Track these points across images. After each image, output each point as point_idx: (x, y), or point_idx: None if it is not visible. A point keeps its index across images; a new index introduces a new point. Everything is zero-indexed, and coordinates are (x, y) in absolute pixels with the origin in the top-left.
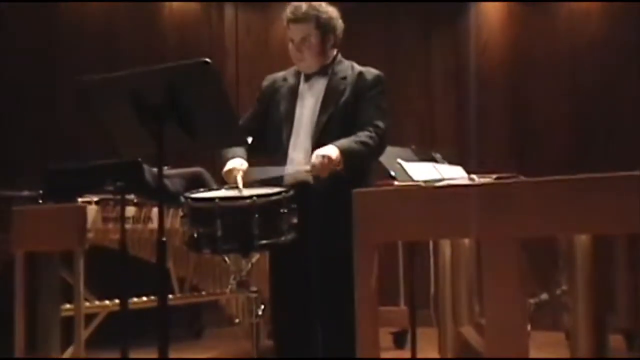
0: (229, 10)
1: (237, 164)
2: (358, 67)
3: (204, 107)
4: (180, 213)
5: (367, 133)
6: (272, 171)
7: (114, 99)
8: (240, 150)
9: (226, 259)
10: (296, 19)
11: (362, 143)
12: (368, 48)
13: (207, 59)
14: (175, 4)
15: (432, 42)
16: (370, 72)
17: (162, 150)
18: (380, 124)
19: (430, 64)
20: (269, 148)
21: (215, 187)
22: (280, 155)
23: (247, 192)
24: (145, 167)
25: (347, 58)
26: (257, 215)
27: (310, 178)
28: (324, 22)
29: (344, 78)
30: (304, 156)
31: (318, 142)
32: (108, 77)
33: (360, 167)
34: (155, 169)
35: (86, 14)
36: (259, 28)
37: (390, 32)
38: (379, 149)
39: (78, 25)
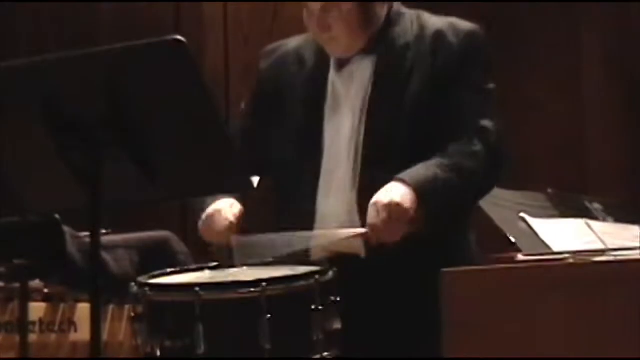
0: None
1: (224, 207)
2: (433, 22)
3: (172, 122)
4: (131, 312)
5: (463, 148)
6: (286, 243)
7: (13, 109)
8: None
9: None
10: None
11: (458, 170)
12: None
13: (180, 37)
14: None
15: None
16: (459, 28)
17: (99, 203)
18: (489, 123)
19: (578, 44)
20: (275, 192)
21: (191, 264)
22: (297, 209)
23: (250, 272)
24: (67, 231)
25: None
26: (269, 317)
27: (360, 247)
28: None
29: (406, 46)
30: (348, 209)
31: (372, 175)
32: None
33: (456, 218)
34: (85, 235)
35: None
36: None
37: None
38: (492, 172)
39: None
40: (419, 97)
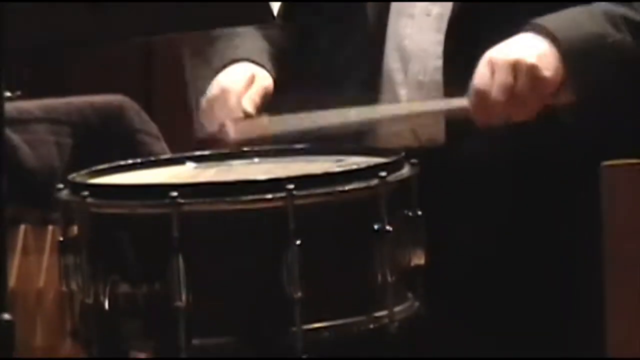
0: None
1: (237, 84)
2: None
3: None
4: (58, 237)
5: None
6: (341, 115)
7: None
8: (257, 40)
9: None
10: None
11: (619, 25)
12: None
13: None
14: None
15: None
16: None
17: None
18: None
19: None
20: (320, 58)
21: (163, 151)
22: (352, 76)
23: (265, 166)
24: None
25: None
26: (299, 244)
27: (438, 131)
28: None
29: None
30: (429, 76)
31: (465, 32)
32: None
33: (619, 90)
34: None
35: None
36: None
37: None
38: None
39: None
40: None
